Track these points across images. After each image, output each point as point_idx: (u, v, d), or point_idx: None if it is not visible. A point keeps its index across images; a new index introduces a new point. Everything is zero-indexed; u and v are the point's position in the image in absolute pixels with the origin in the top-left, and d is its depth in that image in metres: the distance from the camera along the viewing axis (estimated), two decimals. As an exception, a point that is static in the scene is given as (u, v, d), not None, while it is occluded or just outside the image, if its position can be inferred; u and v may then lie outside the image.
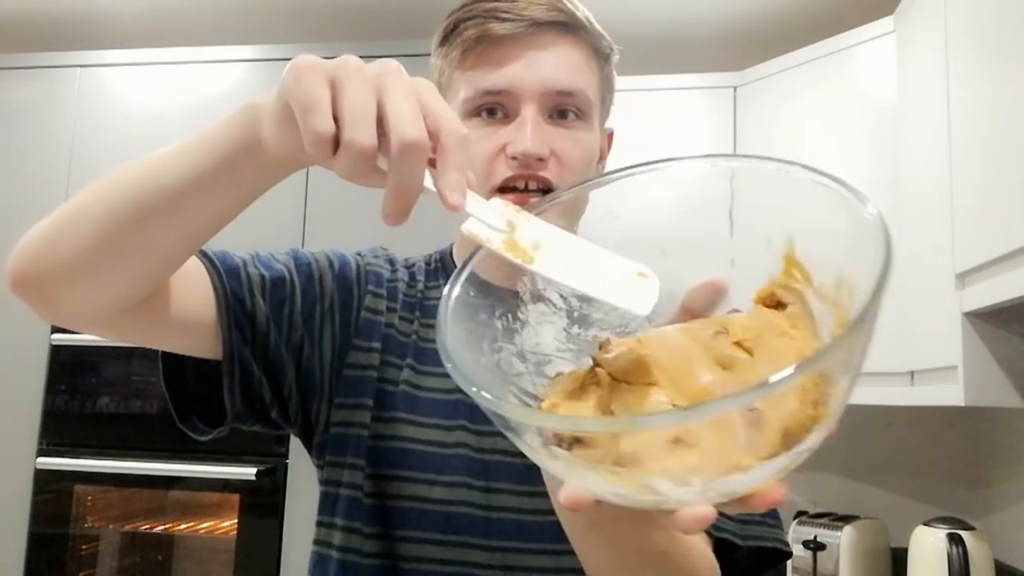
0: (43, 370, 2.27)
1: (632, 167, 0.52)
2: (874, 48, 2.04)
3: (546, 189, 0.78)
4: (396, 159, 0.47)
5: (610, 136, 0.91)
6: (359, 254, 0.89)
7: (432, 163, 0.49)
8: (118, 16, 2.69)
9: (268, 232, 2.23)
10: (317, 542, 0.83)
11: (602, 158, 0.88)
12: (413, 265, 0.92)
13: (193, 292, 0.76)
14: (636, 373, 0.39)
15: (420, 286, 0.89)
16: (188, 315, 0.75)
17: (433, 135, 0.48)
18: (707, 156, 0.49)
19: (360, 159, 0.48)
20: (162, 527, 2.24)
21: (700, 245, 0.44)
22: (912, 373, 1.83)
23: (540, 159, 0.77)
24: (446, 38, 0.83)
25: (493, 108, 0.79)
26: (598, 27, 0.83)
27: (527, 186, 0.78)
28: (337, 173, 0.51)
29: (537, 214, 0.51)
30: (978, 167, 1.46)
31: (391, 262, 0.90)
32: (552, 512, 0.64)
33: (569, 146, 0.79)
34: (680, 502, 0.39)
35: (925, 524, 1.86)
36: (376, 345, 0.83)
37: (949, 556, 1.75)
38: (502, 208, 0.48)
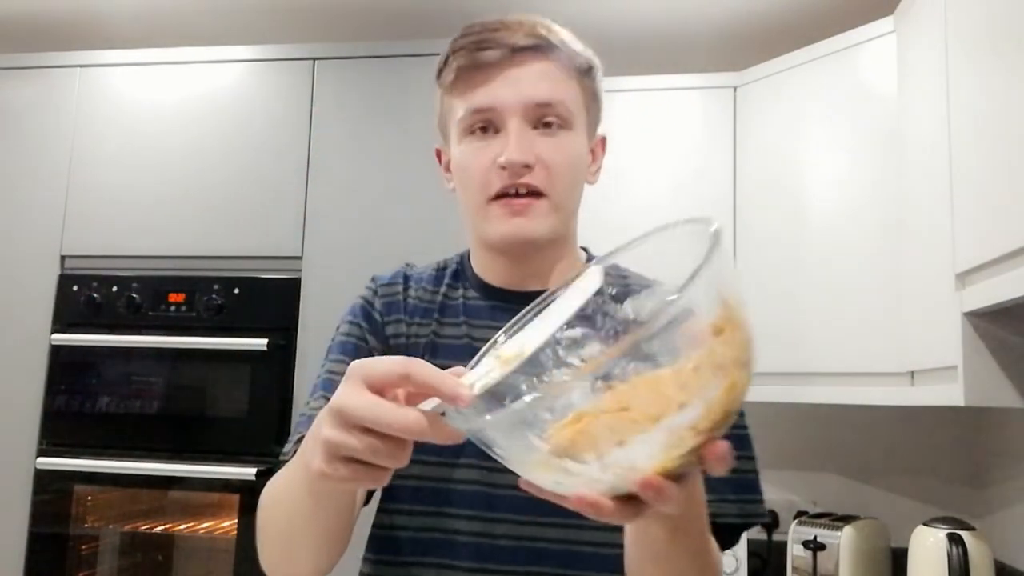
0: (43, 370, 2.27)
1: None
2: (874, 48, 2.04)
3: (536, 193, 0.89)
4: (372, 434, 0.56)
5: (603, 141, 1.01)
6: (374, 290, 1.00)
7: (412, 398, 0.57)
8: (118, 16, 2.69)
9: (268, 232, 2.24)
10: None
11: (594, 160, 1.00)
12: (440, 269, 1.04)
13: None
14: (616, 404, 0.49)
15: (443, 289, 1.00)
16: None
17: (395, 384, 0.56)
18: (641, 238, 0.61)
19: (329, 458, 0.57)
20: (162, 527, 2.24)
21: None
22: (912, 373, 1.84)
23: (526, 166, 0.88)
24: (441, 70, 0.95)
25: (484, 125, 0.91)
26: (574, 46, 0.95)
27: (518, 191, 0.89)
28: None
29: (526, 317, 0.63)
30: (978, 167, 1.46)
31: (406, 279, 1.01)
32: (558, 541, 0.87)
33: (554, 152, 0.90)
34: (595, 481, 0.49)
35: (925, 524, 1.86)
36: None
37: (949, 556, 1.75)
38: (489, 360, 0.58)
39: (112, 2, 2.61)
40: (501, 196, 0.90)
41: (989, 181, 1.40)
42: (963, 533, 1.78)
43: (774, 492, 2.52)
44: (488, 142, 0.90)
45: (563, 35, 0.94)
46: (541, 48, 0.91)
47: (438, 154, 1.03)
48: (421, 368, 0.54)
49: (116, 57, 2.43)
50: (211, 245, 2.26)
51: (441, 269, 1.03)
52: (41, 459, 2.21)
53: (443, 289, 1.00)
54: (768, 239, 2.23)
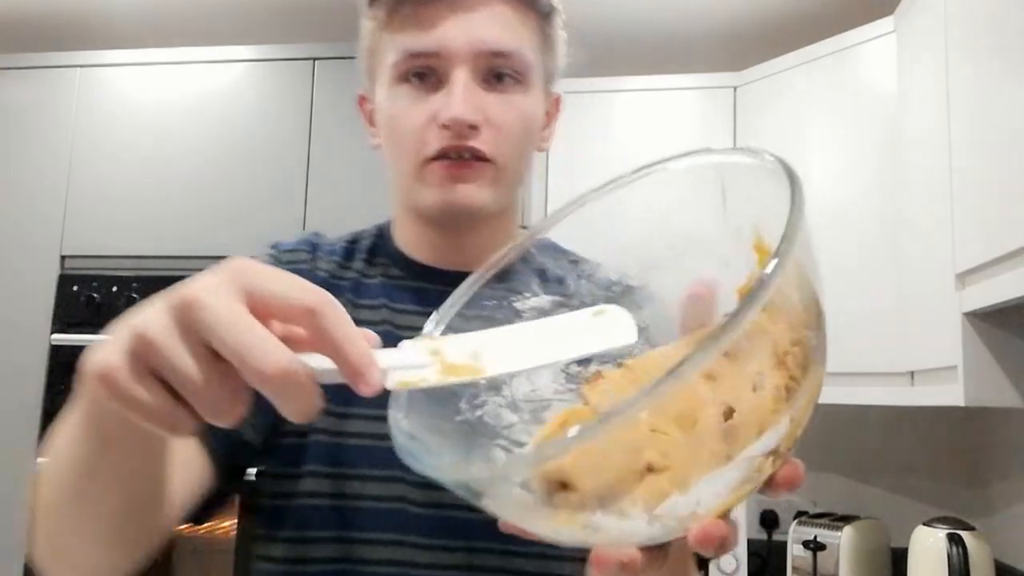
0: (43, 370, 2.27)
1: (592, 192, 0.49)
2: (874, 48, 2.04)
3: (481, 158, 0.74)
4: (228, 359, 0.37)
5: (557, 100, 0.85)
6: (275, 256, 0.85)
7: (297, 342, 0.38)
8: (118, 16, 2.69)
9: (268, 232, 2.23)
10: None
11: (548, 123, 0.84)
12: (353, 242, 0.88)
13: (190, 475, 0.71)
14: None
15: (357, 264, 0.85)
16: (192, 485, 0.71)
17: (291, 318, 0.38)
18: (671, 160, 0.47)
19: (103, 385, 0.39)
20: (162, 527, 2.24)
21: (691, 252, 0.41)
22: (912, 373, 1.84)
23: (472, 127, 0.73)
24: None
25: (423, 73, 0.74)
26: None
27: (460, 154, 0.74)
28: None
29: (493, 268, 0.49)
30: (978, 167, 1.46)
31: (314, 248, 0.85)
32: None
33: (505, 112, 0.74)
34: (630, 534, 0.37)
35: (925, 524, 1.86)
36: None
37: (949, 556, 1.75)
38: (417, 344, 0.42)
39: (112, 2, 2.61)
40: (439, 158, 0.74)
41: (989, 181, 1.40)
42: (963, 533, 1.78)
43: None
44: (426, 94, 0.74)
45: None
46: None
47: (361, 101, 0.86)
48: (338, 314, 0.38)
49: (116, 57, 2.43)
50: (211, 245, 2.26)
51: (353, 242, 0.88)
52: (41, 459, 2.21)
53: (357, 265, 0.84)
54: (768, 239, 2.23)
